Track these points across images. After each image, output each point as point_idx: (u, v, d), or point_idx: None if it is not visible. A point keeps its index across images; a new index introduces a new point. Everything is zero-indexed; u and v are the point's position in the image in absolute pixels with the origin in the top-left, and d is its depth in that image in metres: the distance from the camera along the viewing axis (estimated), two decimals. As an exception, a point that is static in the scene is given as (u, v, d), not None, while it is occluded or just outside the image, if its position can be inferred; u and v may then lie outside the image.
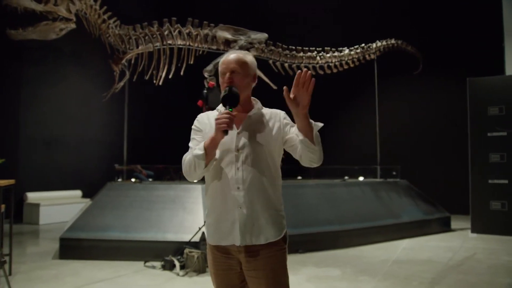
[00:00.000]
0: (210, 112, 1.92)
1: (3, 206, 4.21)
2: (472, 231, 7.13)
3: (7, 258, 4.22)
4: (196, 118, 1.91)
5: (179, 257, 4.72)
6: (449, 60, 9.82)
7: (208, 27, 7.19)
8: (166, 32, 6.94)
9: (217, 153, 1.76)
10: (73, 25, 6.16)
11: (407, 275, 4.57)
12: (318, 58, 8.23)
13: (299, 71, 1.64)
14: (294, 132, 1.77)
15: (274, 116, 1.85)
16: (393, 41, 8.88)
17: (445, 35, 9.86)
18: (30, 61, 8.93)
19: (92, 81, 10.00)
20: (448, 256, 5.45)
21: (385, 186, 7.68)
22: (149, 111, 11.05)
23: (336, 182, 7.49)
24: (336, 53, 8.37)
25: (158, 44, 6.94)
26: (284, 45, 7.96)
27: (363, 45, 8.61)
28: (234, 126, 1.79)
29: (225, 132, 1.64)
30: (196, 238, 4.87)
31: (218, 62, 1.84)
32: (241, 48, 7.06)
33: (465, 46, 9.55)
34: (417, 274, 4.60)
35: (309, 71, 1.64)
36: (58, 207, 8.57)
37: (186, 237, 4.98)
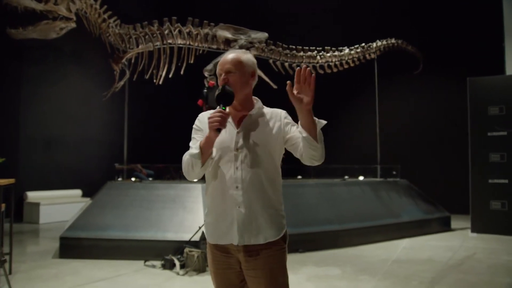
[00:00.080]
0: (211, 111, 1.92)
1: (3, 205, 4.21)
2: (472, 231, 7.13)
3: (7, 257, 4.23)
4: (197, 117, 1.91)
5: (179, 256, 4.72)
6: (449, 59, 9.82)
7: (208, 27, 7.19)
8: (166, 31, 6.93)
9: (217, 152, 1.77)
10: (73, 24, 6.16)
11: (407, 274, 4.57)
12: (318, 57, 8.23)
13: (298, 68, 1.64)
14: (295, 131, 1.77)
15: (275, 116, 1.84)
16: (393, 40, 8.88)
17: (445, 35, 9.85)
18: (30, 60, 8.93)
19: (92, 80, 10.00)
20: (448, 256, 5.45)
21: (385, 185, 7.68)
22: (149, 111, 11.05)
23: (336, 181, 7.49)
24: (336, 53, 8.37)
25: (158, 43, 6.94)
26: (284, 45, 7.96)
27: (363, 44, 8.61)
28: (234, 125, 1.79)
29: (218, 131, 1.64)
30: (196, 237, 4.87)
31: (218, 62, 1.84)
32: (241, 47, 7.05)
33: (465, 46, 9.55)
34: (417, 273, 4.60)
35: (308, 67, 1.63)
36: (58, 206, 8.57)
37: (186, 236, 4.99)
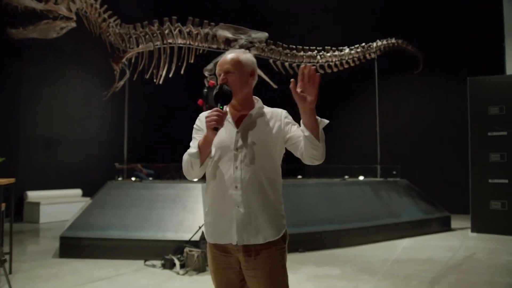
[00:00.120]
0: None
1: (3, 204, 4.21)
2: (472, 231, 7.13)
3: (7, 257, 4.23)
4: (198, 117, 1.91)
5: (179, 256, 4.73)
6: (449, 59, 9.82)
7: (208, 26, 7.19)
8: (166, 31, 6.93)
9: (216, 151, 1.77)
10: (73, 24, 6.16)
11: (407, 274, 4.57)
12: (318, 57, 8.23)
13: (302, 65, 1.62)
14: (296, 130, 1.77)
15: (275, 115, 1.84)
16: (393, 40, 8.87)
17: (446, 35, 9.85)
18: (31, 60, 8.93)
19: (92, 80, 10.00)
20: (448, 256, 5.45)
21: (385, 185, 7.68)
22: (149, 110, 11.05)
23: (336, 181, 7.49)
24: (336, 52, 8.37)
25: (158, 43, 6.94)
26: (284, 44, 7.96)
27: (363, 44, 8.61)
28: (234, 125, 1.80)
29: (215, 129, 1.65)
30: (196, 237, 4.87)
31: (218, 61, 1.84)
32: (242, 47, 7.05)
33: (465, 46, 9.55)
34: (417, 273, 4.60)
35: (312, 66, 1.61)
36: (58, 205, 8.58)
37: (186, 236, 4.99)
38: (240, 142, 1.76)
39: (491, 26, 8.81)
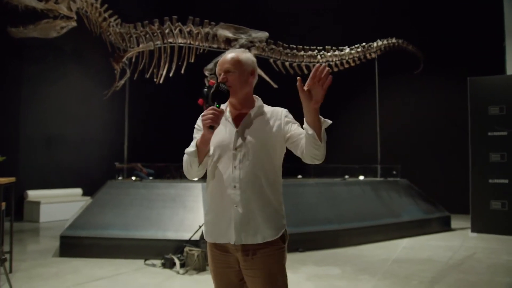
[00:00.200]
0: None
1: (3, 204, 4.21)
2: (472, 231, 7.13)
3: (7, 256, 4.23)
4: (199, 117, 1.91)
5: (179, 255, 4.73)
6: (449, 59, 9.82)
7: (209, 26, 7.19)
8: (167, 31, 6.93)
9: (216, 151, 1.77)
10: (74, 23, 6.16)
11: (407, 274, 4.57)
12: (318, 57, 8.23)
13: (318, 64, 1.60)
14: (296, 129, 1.76)
15: (275, 114, 1.84)
16: (393, 40, 8.87)
17: (446, 35, 9.85)
18: (31, 59, 8.93)
19: (92, 79, 10.01)
20: (448, 256, 5.45)
21: (385, 185, 7.68)
22: (149, 110, 11.06)
23: (336, 181, 7.50)
24: (337, 52, 8.37)
25: (159, 42, 6.94)
26: (285, 44, 7.96)
27: (364, 44, 8.61)
28: (234, 124, 1.80)
29: (211, 128, 1.65)
30: (196, 237, 4.88)
31: (218, 61, 1.84)
32: (242, 46, 7.05)
33: (466, 46, 9.55)
34: (417, 273, 4.60)
35: (328, 68, 1.58)
36: (59, 205, 8.58)
37: (186, 236, 4.99)
38: (239, 142, 1.76)
39: (492, 26, 8.80)
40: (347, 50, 8.46)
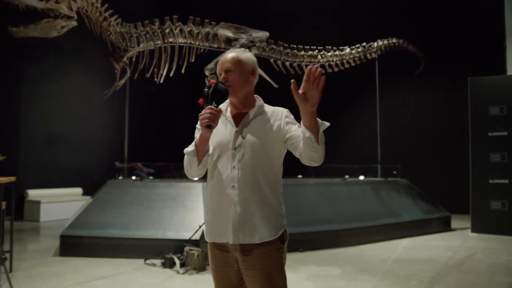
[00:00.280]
0: None
1: (4, 203, 4.22)
2: (472, 231, 7.13)
3: (8, 255, 4.24)
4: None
5: (179, 255, 4.73)
6: (450, 59, 9.81)
7: (209, 25, 7.19)
8: (167, 30, 6.94)
9: (216, 150, 1.78)
10: (74, 23, 6.17)
11: (407, 274, 4.57)
12: (319, 57, 8.23)
13: (310, 66, 1.58)
14: (296, 130, 1.75)
15: (276, 114, 1.83)
16: (394, 40, 8.87)
17: (446, 35, 9.85)
18: (31, 58, 8.94)
19: (93, 79, 10.01)
20: (448, 256, 5.45)
21: (386, 185, 7.68)
22: (150, 109, 11.06)
23: (337, 181, 7.49)
24: (337, 52, 8.37)
25: (159, 42, 6.94)
26: (285, 44, 7.96)
27: (364, 44, 8.61)
28: (234, 123, 1.80)
29: (208, 128, 1.65)
30: (197, 236, 4.88)
31: (219, 61, 1.84)
32: (243, 46, 7.05)
33: (466, 46, 9.54)
34: (417, 273, 4.60)
35: (320, 68, 1.56)
36: (59, 204, 8.59)
37: (186, 235, 5.00)
38: (238, 141, 1.76)
39: (492, 26, 8.80)
40: (348, 50, 8.46)
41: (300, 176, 9.12)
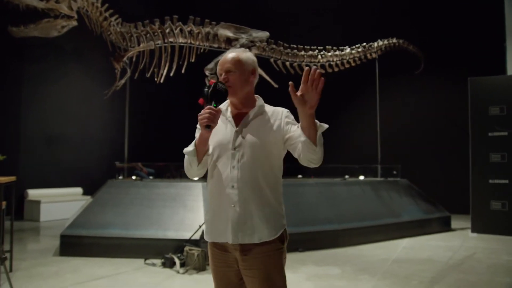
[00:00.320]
0: None
1: (4, 203, 4.22)
2: (472, 231, 7.13)
3: (8, 255, 4.24)
4: None
5: (179, 254, 4.73)
6: (450, 59, 9.81)
7: (209, 25, 7.20)
8: (167, 30, 6.94)
9: (215, 150, 1.78)
10: (74, 23, 6.17)
11: (407, 274, 4.57)
12: (319, 56, 8.23)
13: (307, 67, 1.58)
14: (295, 130, 1.74)
15: (276, 114, 1.83)
16: (394, 40, 8.87)
17: (447, 35, 9.85)
18: (31, 58, 8.94)
19: (93, 78, 10.01)
20: (448, 256, 5.45)
21: (386, 185, 7.68)
22: (150, 109, 11.06)
23: (337, 181, 7.49)
24: (337, 52, 8.37)
25: (159, 42, 6.94)
26: (285, 44, 7.96)
27: (364, 44, 8.61)
28: (234, 123, 1.80)
29: (208, 127, 1.65)
30: (197, 236, 4.88)
31: (219, 61, 1.84)
32: (243, 46, 7.06)
33: (466, 46, 9.54)
34: (417, 273, 4.61)
35: (318, 69, 1.56)
36: (59, 204, 8.59)
37: (186, 235, 5.00)
38: (238, 141, 1.76)
39: (492, 26, 8.80)
40: (348, 50, 8.46)
41: (300, 176, 9.12)
